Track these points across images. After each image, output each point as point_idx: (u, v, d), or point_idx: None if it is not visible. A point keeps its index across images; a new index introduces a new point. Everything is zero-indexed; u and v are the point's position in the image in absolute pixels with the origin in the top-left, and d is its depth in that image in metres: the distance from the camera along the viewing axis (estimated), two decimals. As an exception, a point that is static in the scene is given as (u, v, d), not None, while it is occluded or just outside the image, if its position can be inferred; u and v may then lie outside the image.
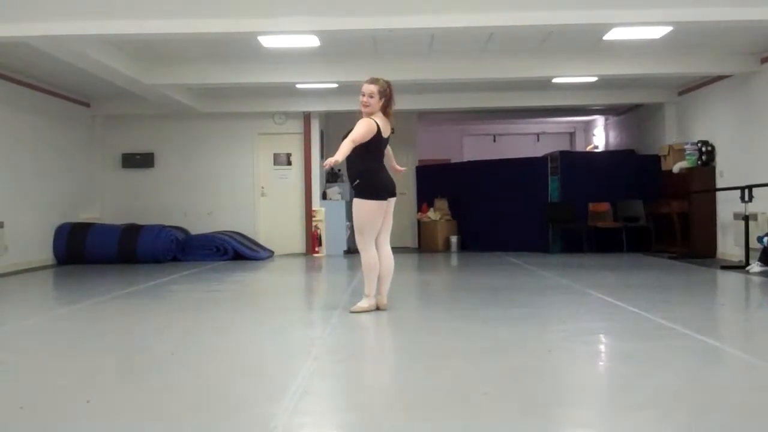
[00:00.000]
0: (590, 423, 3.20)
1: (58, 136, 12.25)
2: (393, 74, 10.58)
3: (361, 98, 6.16)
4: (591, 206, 13.22)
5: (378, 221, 6.20)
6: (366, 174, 6.13)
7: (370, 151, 6.09)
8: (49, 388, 3.84)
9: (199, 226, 13.32)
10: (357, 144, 5.97)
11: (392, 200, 6.28)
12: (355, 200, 6.18)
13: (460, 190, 14.49)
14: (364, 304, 6.27)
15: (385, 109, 6.19)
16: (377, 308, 6.25)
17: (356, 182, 6.18)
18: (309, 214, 13.74)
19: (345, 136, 6.10)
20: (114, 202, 13.64)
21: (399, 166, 6.63)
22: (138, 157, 13.80)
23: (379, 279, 6.25)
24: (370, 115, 6.14)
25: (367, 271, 6.23)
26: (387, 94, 6.17)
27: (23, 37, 7.55)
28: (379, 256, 6.25)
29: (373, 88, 6.14)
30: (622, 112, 15.53)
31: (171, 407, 3.46)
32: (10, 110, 10.81)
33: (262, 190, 14.01)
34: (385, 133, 6.17)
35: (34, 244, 11.39)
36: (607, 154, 15.61)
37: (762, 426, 3.12)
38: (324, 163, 6.02)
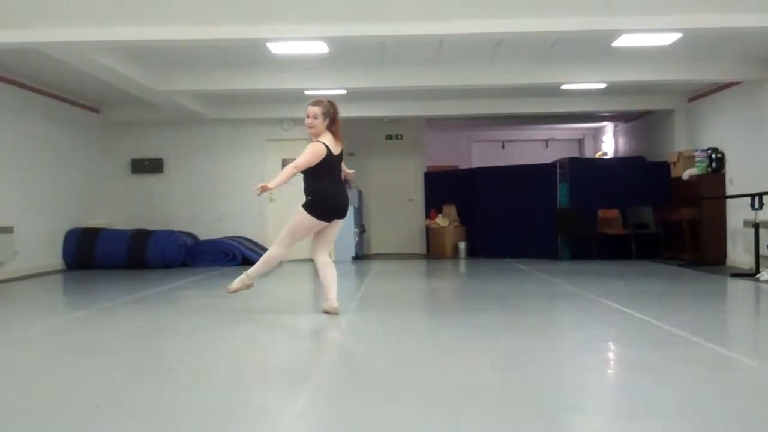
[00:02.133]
0: (599, 431, 3.19)
1: (68, 141, 12.30)
2: (401, 80, 10.71)
3: (306, 120, 6.33)
4: (600, 213, 13.18)
5: (308, 234, 6.46)
6: (319, 194, 6.34)
7: (323, 171, 6.29)
8: (58, 393, 3.84)
9: (207, 231, 13.35)
10: (301, 170, 6.24)
11: (338, 221, 6.48)
12: (300, 207, 6.37)
13: (468, 197, 14.47)
14: (236, 284, 6.57)
15: (332, 128, 6.34)
16: (329, 312, 6.36)
17: (309, 198, 6.38)
18: (317, 220, 13.72)
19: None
20: (123, 207, 13.67)
21: (349, 170, 6.77)
22: (147, 162, 13.84)
23: (326, 286, 6.45)
24: (317, 136, 6.31)
25: (265, 261, 6.51)
26: (331, 114, 6.33)
27: (33, 43, 7.59)
28: (318, 266, 6.48)
29: (316, 110, 6.30)
30: (631, 118, 15.50)
31: (179, 414, 3.46)
32: (21, 116, 10.86)
33: (271, 196, 13.99)
34: (336, 151, 6.33)
35: (43, 249, 11.43)
36: (617, 161, 15.56)
37: (773, 435, 3.10)
38: (255, 188, 6.26)
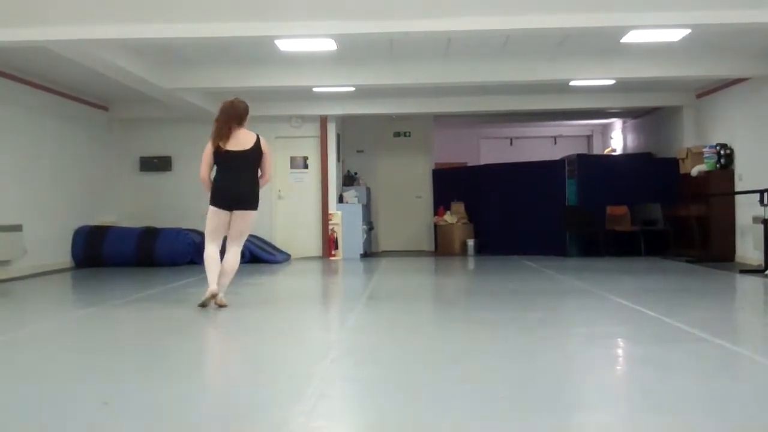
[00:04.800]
0: (607, 427, 3.18)
1: (77, 139, 12.34)
2: (409, 77, 10.70)
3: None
4: (609, 210, 13.16)
5: (215, 224, 6.75)
6: (213, 184, 6.78)
7: (215, 164, 6.78)
8: (66, 390, 3.86)
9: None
10: (204, 170, 6.76)
11: (239, 213, 6.73)
12: None
13: (476, 194, 14.46)
14: (208, 294, 6.69)
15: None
16: (216, 305, 6.63)
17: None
18: (326, 217, 13.76)
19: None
20: (132, 205, 13.71)
21: (267, 176, 7.07)
22: (155, 160, 13.88)
23: (220, 275, 6.68)
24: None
25: (206, 264, 6.72)
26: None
27: (43, 41, 7.61)
28: (224, 257, 6.76)
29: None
30: (639, 115, 15.46)
31: (187, 410, 3.47)
32: (30, 114, 10.90)
33: (279, 193, 14.04)
34: (230, 147, 6.72)
35: (52, 246, 11.47)
36: (625, 158, 15.54)
37: (782, 432, 3.09)
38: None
